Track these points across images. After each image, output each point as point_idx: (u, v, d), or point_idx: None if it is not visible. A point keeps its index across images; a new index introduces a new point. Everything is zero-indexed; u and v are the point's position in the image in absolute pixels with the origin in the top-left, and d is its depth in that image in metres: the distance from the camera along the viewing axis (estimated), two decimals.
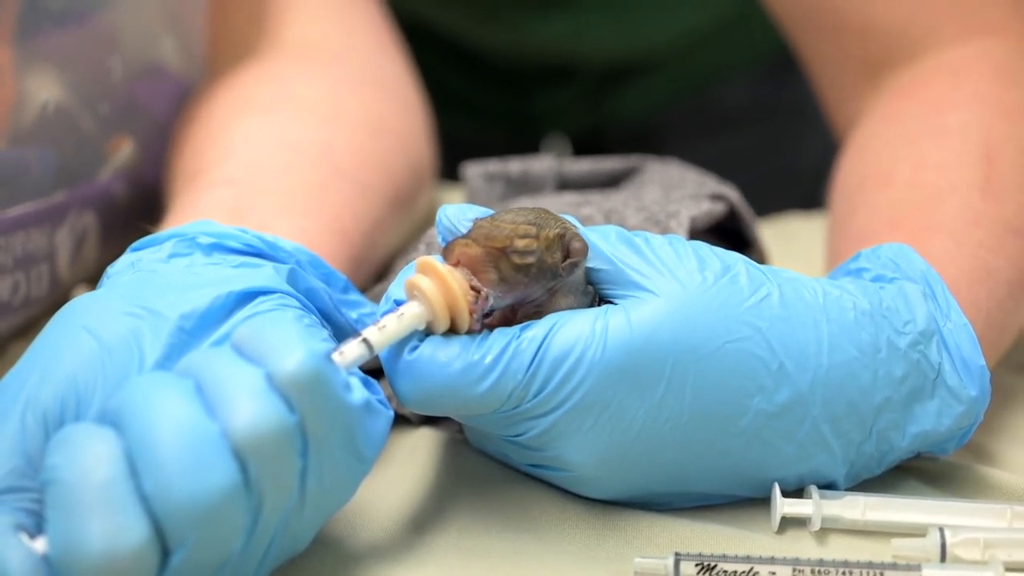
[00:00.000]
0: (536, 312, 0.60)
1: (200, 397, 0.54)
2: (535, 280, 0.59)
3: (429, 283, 0.58)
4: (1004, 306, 0.70)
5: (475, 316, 0.58)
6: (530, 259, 0.59)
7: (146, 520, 0.52)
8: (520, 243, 0.59)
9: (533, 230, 0.59)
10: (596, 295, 0.62)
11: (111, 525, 0.52)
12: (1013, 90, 0.80)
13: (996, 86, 0.80)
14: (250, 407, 0.53)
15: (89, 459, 0.52)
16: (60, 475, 0.52)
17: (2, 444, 0.55)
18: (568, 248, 0.60)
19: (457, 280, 0.58)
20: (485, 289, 0.58)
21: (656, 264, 0.61)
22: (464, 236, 0.59)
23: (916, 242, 0.69)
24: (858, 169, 0.81)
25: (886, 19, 0.85)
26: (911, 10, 0.85)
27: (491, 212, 0.61)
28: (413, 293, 0.59)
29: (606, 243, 0.61)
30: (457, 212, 0.62)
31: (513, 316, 0.61)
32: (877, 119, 0.83)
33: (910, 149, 0.78)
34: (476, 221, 0.60)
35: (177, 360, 0.57)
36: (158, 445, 0.52)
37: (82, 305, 0.60)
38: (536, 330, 0.59)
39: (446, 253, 0.59)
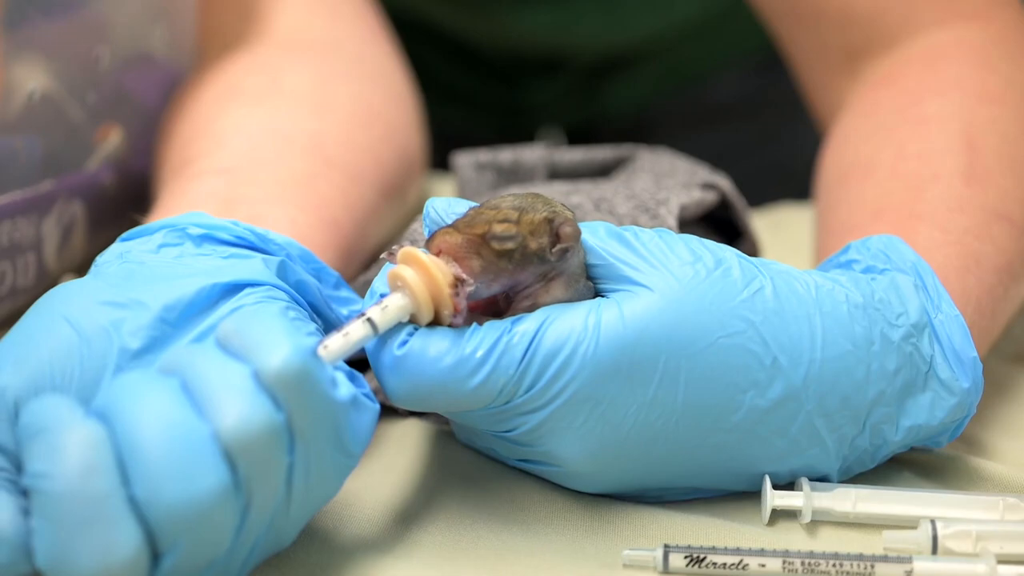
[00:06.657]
0: (532, 305, 0.59)
1: (187, 397, 0.53)
2: (520, 266, 0.58)
3: (412, 273, 0.57)
4: (993, 292, 0.70)
5: (457, 302, 0.57)
6: (510, 244, 0.58)
7: (138, 528, 0.52)
8: (498, 228, 0.58)
9: (514, 215, 0.58)
10: (595, 289, 0.61)
11: (103, 537, 0.51)
12: (992, 75, 0.80)
13: (974, 71, 0.80)
14: (238, 407, 0.53)
15: (77, 467, 0.51)
16: (46, 485, 0.51)
17: None
18: (558, 233, 0.59)
19: (441, 269, 0.57)
20: (465, 276, 0.58)
21: (648, 258, 0.60)
22: (447, 225, 0.59)
23: (901, 231, 0.69)
24: (840, 162, 0.81)
25: (864, 6, 0.85)
26: None
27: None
28: (396, 284, 0.58)
29: (595, 238, 0.61)
30: (445, 205, 0.62)
31: (506, 307, 0.60)
32: (857, 111, 0.83)
33: (890, 139, 0.78)
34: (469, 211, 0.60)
35: (158, 352, 0.57)
36: (148, 449, 0.52)
37: (63, 293, 0.59)
38: (528, 324, 0.58)
39: (429, 243, 0.59)
